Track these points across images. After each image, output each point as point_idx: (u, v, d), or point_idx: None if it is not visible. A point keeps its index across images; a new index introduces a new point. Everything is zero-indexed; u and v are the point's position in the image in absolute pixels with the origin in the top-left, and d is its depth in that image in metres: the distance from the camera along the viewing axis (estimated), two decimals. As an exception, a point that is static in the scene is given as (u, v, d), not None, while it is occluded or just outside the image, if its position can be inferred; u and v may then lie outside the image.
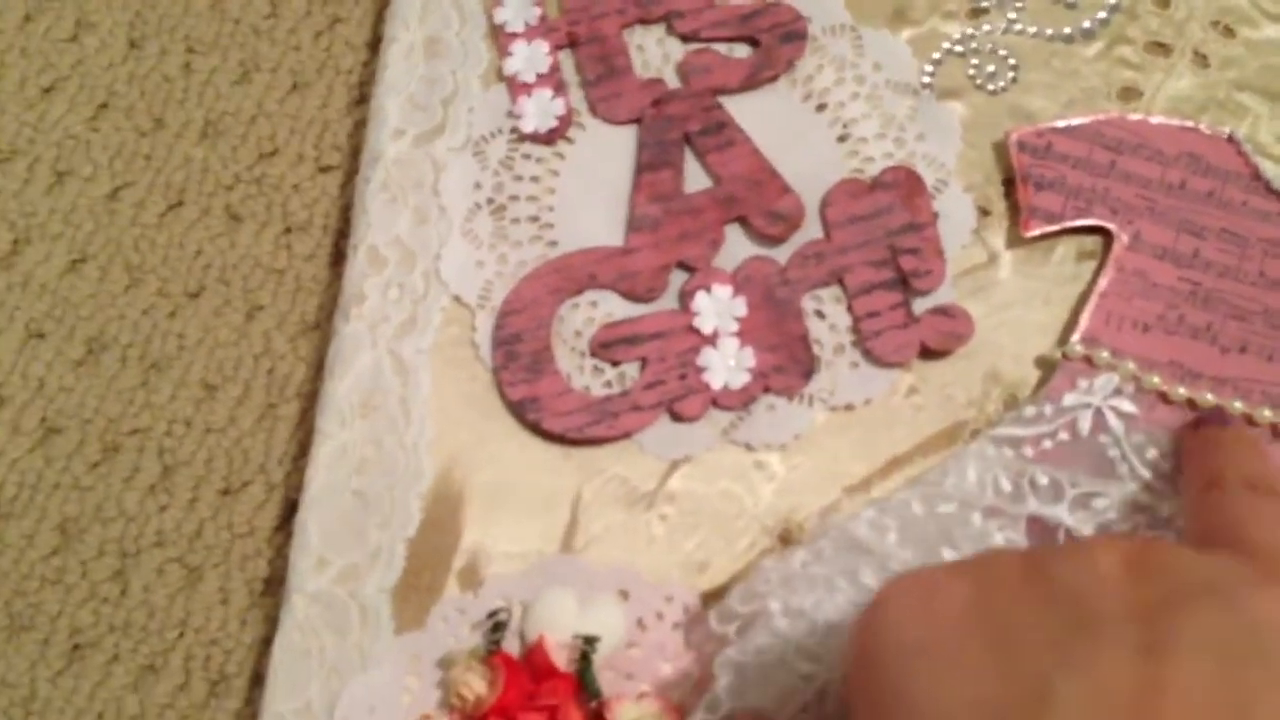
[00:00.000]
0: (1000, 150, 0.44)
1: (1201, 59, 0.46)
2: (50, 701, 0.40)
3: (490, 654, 0.37)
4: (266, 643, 0.39)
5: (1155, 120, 0.43)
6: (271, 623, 0.39)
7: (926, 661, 0.28)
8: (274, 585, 0.41)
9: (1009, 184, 0.44)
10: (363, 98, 0.47)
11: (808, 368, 0.41)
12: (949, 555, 0.37)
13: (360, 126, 0.46)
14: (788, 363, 0.41)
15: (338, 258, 0.45)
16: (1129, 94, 0.45)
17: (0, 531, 0.41)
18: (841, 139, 0.44)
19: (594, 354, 0.41)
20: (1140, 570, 0.28)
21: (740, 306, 0.41)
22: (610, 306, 0.42)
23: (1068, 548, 0.31)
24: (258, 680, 0.39)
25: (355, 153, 0.46)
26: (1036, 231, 0.42)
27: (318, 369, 0.43)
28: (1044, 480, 0.38)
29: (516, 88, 0.45)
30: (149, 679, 0.40)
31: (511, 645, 0.38)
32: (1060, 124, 0.43)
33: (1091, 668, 0.26)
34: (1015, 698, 0.26)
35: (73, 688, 0.40)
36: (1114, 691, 0.25)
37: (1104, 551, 0.29)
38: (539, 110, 0.44)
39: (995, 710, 0.26)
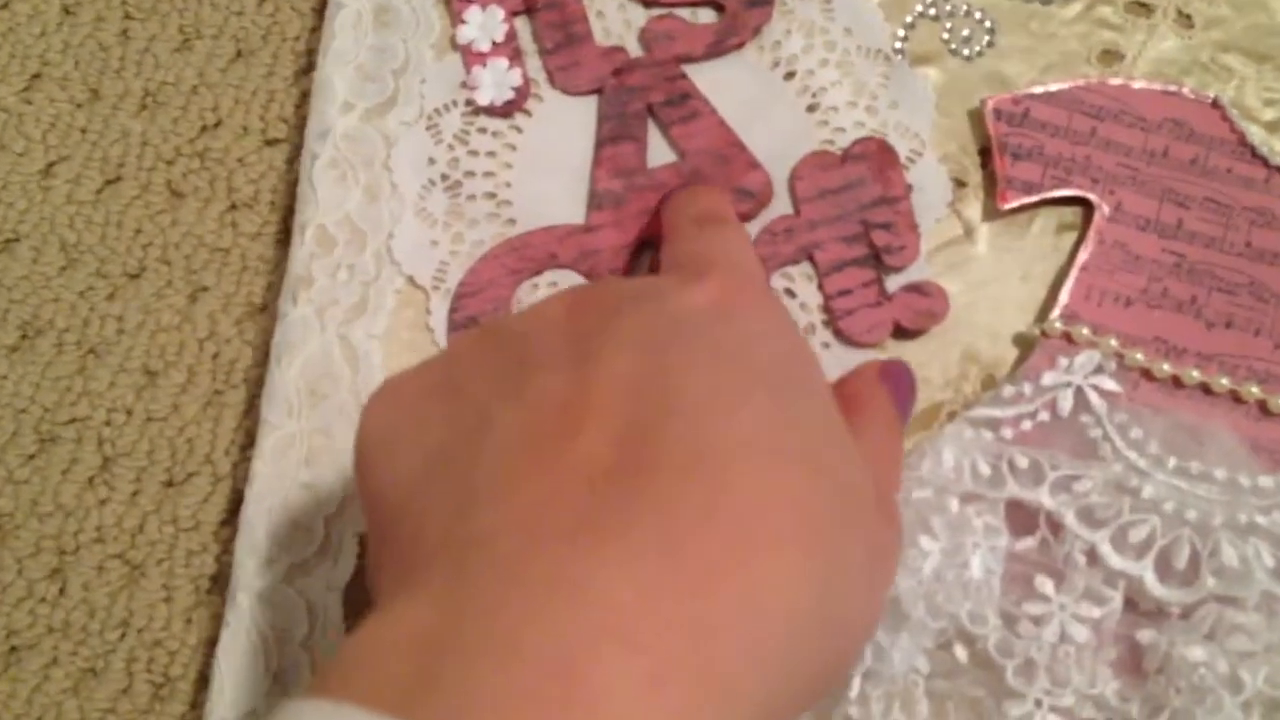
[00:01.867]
0: (976, 118, 0.43)
1: (1185, 19, 0.44)
2: (-14, 706, 0.39)
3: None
4: (213, 643, 0.38)
5: (1137, 85, 0.42)
6: (218, 622, 0.38)
7: (390, 443, 0.28)
8: (221, 582, 0.40)
9: (985, 154, 0.42)
10: (309, 66, 0.45)
11: (777, 349, 0.39)
12: (926, 544, 0.36)
13: (308, 97, 0.44)
14: (756, 344, 0.39)
15: (285, 236, 0.43)
16: (1110, 57, 0.44)
17: (-69, 528, 0.40)
18: (811, 108, 0.43)
19: (554, 337, 0.40)
20: (581, 306, 0.30)
21: (707, 285, 0.40)
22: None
23: (522, 309, 0.32)
24: (204, 683, 0.38)
25: (303, 125, 0.44)
26: (1014, 203, 0.41)
27: (265, 353, 0.41)
28: (1024, 463, 0.37)
29: (471, 57, 0.43)
30: (89, 682, 0.39)
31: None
32: (1038, 90, 0.42)
33: (527, 390, 0.27)
34: (460, 434, 0.27)
35: (9, 692, 0.39)
36: (546, 402, 0.26)
37: (551, 302, 0.30)
38: (495, 81, 0.42)
39: (442, 451, 0.27)
